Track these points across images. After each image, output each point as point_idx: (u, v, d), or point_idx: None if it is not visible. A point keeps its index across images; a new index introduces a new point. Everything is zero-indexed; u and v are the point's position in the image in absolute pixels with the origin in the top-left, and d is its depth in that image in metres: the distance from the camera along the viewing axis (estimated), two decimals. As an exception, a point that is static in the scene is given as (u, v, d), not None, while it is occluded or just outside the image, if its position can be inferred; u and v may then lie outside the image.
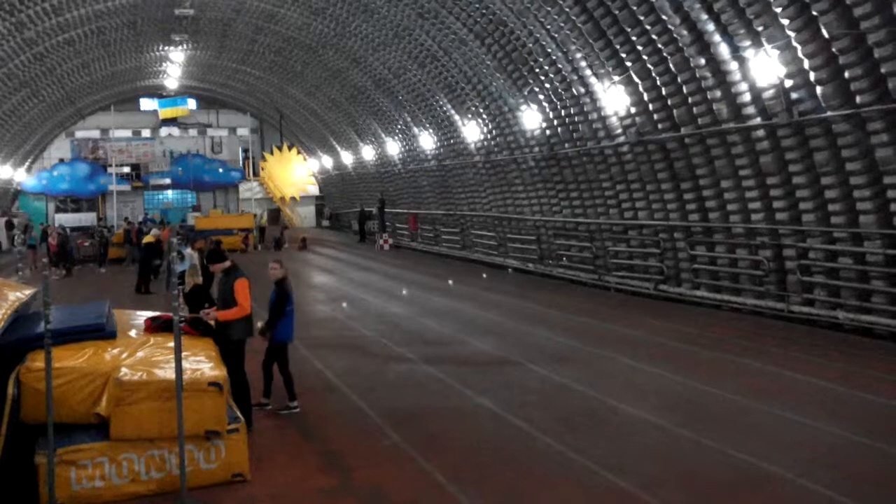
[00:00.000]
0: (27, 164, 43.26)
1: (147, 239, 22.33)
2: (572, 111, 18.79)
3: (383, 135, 32.36)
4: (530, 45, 18.75)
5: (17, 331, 7.22)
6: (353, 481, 7.06)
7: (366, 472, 7.25)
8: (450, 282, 18.96)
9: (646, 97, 16.00)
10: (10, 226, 35.23)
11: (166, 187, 48.99)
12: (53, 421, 6.30)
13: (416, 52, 24.26)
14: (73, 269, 26.06)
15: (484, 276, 20.28)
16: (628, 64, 15.94)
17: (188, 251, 15.70)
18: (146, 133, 49.38)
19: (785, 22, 11.92)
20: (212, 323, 8.45)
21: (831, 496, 6.30)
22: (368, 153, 35.77)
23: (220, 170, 49.46)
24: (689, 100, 14.82)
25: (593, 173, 18.99)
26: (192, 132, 50.44)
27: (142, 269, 20.91)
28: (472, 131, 24.28)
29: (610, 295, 18.43)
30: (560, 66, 18.25)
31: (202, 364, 7.25)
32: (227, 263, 8.83)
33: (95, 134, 47.86)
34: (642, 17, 14.69)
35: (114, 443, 6.62)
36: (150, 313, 8.95)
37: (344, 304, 16.68)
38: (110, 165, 45.99)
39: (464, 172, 26.62)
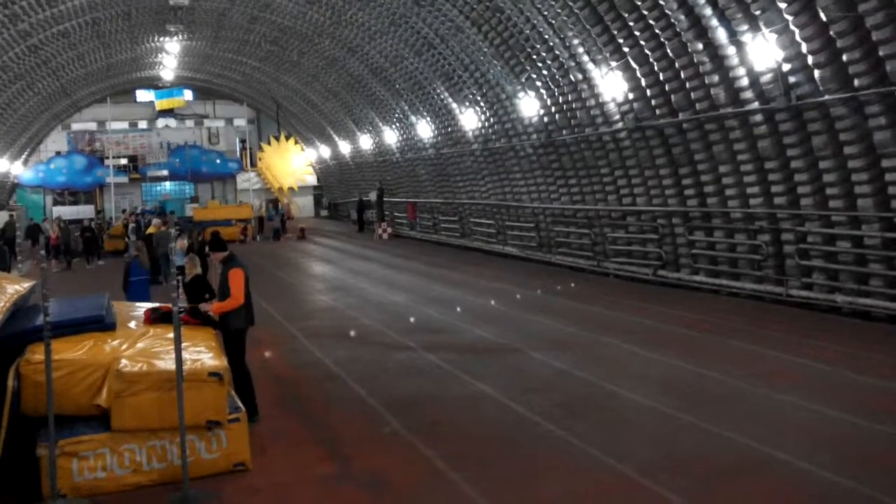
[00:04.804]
0: (24, 157, 43.14)
1: (150, 230, 22.55)
2: (570, 98, 18.74)
3: (381, 124, 32.27)
4: (527, 31, 18.68)
5: (16, 324, 7.22)
6: (353, 469, 7.07)
7: (367, 459, 7.26)
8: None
9: (643, 83, 15.95)
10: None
11: (164, 179, 48.92)
12: (54, 413, 6.31)
13: (413, 41, 24.16)
14: (72, 262, 26.13)
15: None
16: (626, 50, 15.88)
17: (172, 245, 15.42)
18: (143, 124, 49.25)
19: (782, 6, 11.87)
20: (213, 315, 8.42)
21: (833, 479, 6.31)
22: (366, 142, 35.68)
23: (218, 160, 49.38)
24: (687, 85, 14.78)
25: (591, 160, 18.97)
26: (189, 123, 50.30)
27: (153, 261, 21.07)
28: (469, 119, 24.21)
29: (609, 281, 18.44)
30: (557, 52, 18.18)
31: (202, 354, 7.26)
32: (227, 253, 8.79)
33: (92, 126, 47.71)
34: (639, 2, 14.62)
35: (115, 434, 6.63)
36: (149, 304, 8.94)
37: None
38: (107, 157, 45.90)
39: (462, 160, 26.57)
